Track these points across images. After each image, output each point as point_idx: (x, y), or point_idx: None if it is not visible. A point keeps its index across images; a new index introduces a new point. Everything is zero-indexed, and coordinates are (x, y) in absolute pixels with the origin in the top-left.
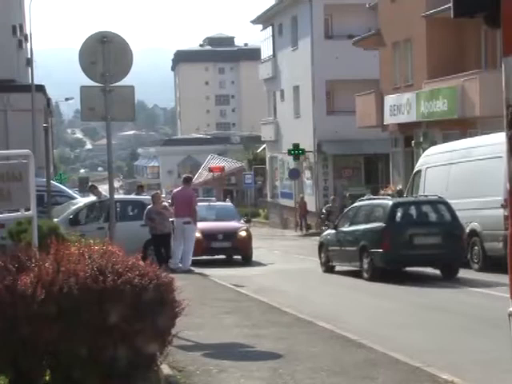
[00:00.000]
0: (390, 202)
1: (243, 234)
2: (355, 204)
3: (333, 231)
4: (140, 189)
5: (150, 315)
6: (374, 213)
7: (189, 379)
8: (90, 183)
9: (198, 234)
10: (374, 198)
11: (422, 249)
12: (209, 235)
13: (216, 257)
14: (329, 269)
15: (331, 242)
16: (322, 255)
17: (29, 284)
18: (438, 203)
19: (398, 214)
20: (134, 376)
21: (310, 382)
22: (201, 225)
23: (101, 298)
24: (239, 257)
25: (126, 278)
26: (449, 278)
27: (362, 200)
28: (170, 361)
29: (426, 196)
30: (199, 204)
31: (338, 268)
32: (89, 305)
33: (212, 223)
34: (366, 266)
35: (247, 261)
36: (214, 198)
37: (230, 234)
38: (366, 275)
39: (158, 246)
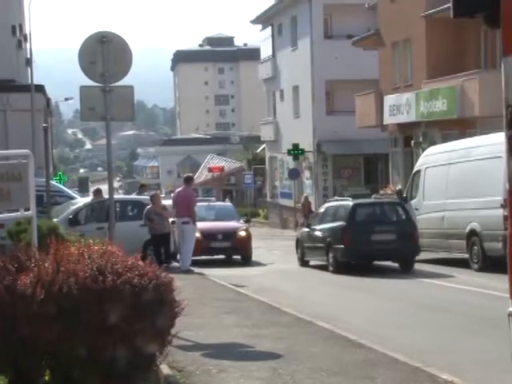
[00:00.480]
0: (350, 203)
1: (243, 233)
2: (325, 205)
3: (307, 229)
4: (142, 188)
5: (150, 315)
6: (338, 213)
7: (188, 379)
8: (95, 187)
9: (197, 234)
10: (340, 200)
11: (378, 245)
12: (208, 235)
13: (215, 257)
14: (304, 263)
15: (305, 239)
16: (298, 251)
17: (28, 284)
18: (394, 204)
19: (358, 214)
20: (134, 376)
21: (309, 382)
22: (200, 225)
23: (100, 298)
24: (239, 257)
25: (126, 278)
26: (406, 271)
27: (331, 201)
28: (170, 361)
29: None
30: (199, 204)
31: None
32: (88, 305)
33: (211, 223)
34: (330, 260)
35: (247, 261)
36: (213, 198)
37: (230, 234)
38: (331, 268)
39: (158, 246)
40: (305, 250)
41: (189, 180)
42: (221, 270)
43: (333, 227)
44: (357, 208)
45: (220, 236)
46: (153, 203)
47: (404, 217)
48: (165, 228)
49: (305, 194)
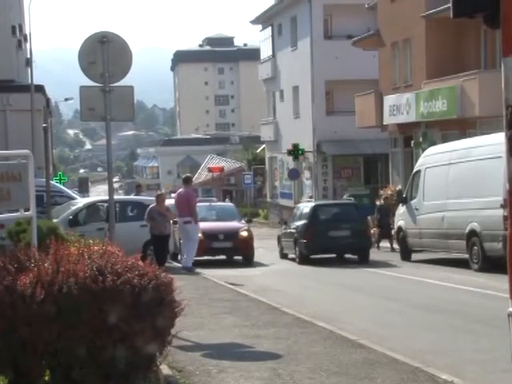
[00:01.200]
0: (312, 204)
1: (244, 234)
2: (298, 205)
3: (284, 227)
4: (139, 188)
5: (150, 315)
6: (303, 212)
7: (188, 379)
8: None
9: (199, 235)
10: (308, 201)
11: (335, 240)
12: (210, 235)
13: (216, 257)
14: (283, 255)
15: (283, 235)
16: (279, 245)
17: (28, 284)
18: (349, 205)
19: (318, 214)
20: (134, 376)
21: (309, 382)
22: (201, 225)
23: (100, 298)
24: (240, 257)
25: (126, 279)
26: (363, 262)
27: (302, 202)
28: (170, 361)
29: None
30: (200, 204)
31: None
32: (88, 305)
33: (213, 223)
34: (297, 253)
35: (248, 261)
36: (214, 198)
37: (231, 234)
38: (297, 260)
39: (158, 247)
40: (283, 245)
41: (188, 180)
42: (221, 270)
43: (298, 225)
44: (317, 208)
45: (221, 236)
46: (158, 203)
47: (357, 216)
48: (165, 230)
49: (310, 195)
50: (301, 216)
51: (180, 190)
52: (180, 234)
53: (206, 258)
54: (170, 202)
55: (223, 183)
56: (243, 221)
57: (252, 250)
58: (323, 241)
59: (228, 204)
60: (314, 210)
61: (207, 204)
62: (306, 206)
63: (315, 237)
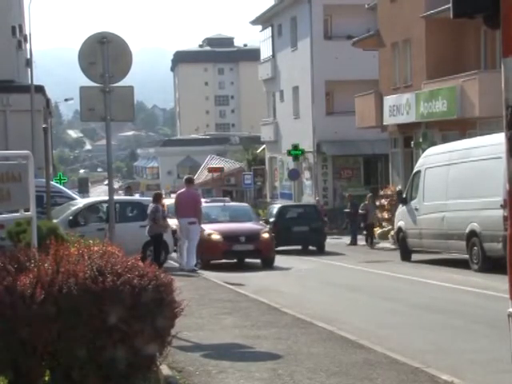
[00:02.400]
0: (279, 205)
1: (266, 235)
2: (270, 206)
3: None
4: (128, 189)
5: (150, 316)
6: (273, 212)
7: (188, 380)
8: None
9: (217, 236)
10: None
11: (296, 235)
12: (230, 237)
13: (226, 261)
14: None
15: None
16: None
17: (28, 284)
18: (310, 206)
19: (283, 213)
20: (134, 376)
21: (309, 383)
22: (218, 226)
23: (100, 299)
24: (259, 260)
25: (126, 279)
26: (320, 252)
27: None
28: (170, 361)
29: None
30: (213, 204)
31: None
32: (88, 305)
33: (232, 225)
34: None
35: (269, 264)
36: (227, 198)
37: (253, 236)
38: None
39: (157, 246)
40: None
41: (190, 181)
42: (221, 270)
43: (270, 222)
44: (283, 209)
45: (243, 238)
46: (158, 202)
47: (316, 216)
48: (162, 228)
49: (317, 198)
50: (271, 215)
51: (182, 190)
52: (180, 234)
53: (214, 261)
54: (170, 201)
55: (223, 184)
56: (261, 222)
57: (273, 253)
58: (287, 235)
59: (243, 204)
60: (281, 210)
61: (221, 204)
62: (274, 207)
63: (281, 232)
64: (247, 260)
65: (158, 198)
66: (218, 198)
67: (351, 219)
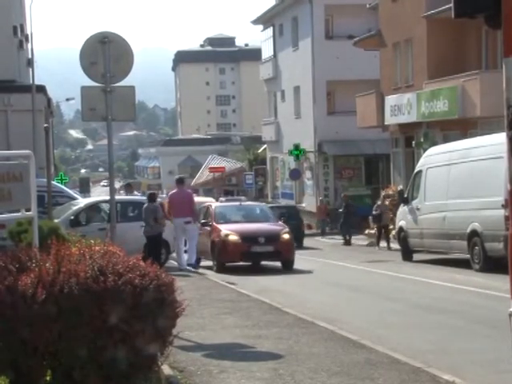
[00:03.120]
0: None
1: (286, 236)
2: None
3: None
4: (129, 188)
5: (151, 316)
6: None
7: (189, 379)
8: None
9: (235, 237)
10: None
11: None
12: (249, 238)
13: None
14: None
15: None
16: None
17: (29, 284)
18: (290, 207)
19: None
20: (135, 376)
21: (310, 383)
22: (236, 227)
23: (101, 299)
24: (278, 263)
25: (127, 279)
26: (298, 247)
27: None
28: (171, 361)
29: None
30: (228, 204)
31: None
32: (89, 305)
33: (250, 225)
34: None
35: (289, 267)
36: (243, 197)
37: (273, 237)
38: None
39: (158, 247)
40: None
41: (181, 181)
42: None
43: None
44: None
45: (262, 239)
46: (154, 201)
47: (296, 215)
48: (162, 227)
49: (320, 198)
50: None
51: (174, 190)
52: (176, 234)
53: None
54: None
55: (224, 183)
56: (280, 222)
57: (293, 255)
58: None
59: (259, 204)
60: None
61: (236, 204)
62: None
63: None
64: (263, 263)
65: (153, 198)
66: (234, 197)
67: (345, 219)
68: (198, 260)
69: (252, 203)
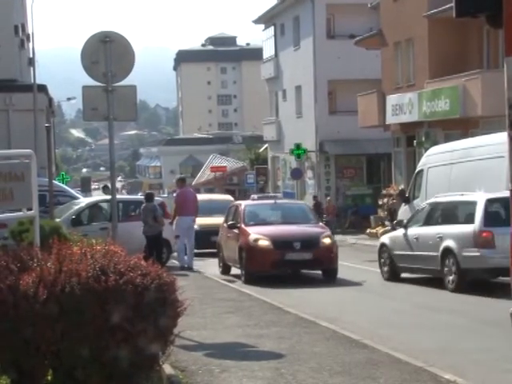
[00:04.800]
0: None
1: (327, 241)
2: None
3: None
4: (107, 189)
5: (152, 315)
6: None
7: (191, 379)
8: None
9: (266, 242)
10: None
11: None
12: (281, 244)
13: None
14: None
15: None
16: None
17: (31, 284)
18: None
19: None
20: (137, 376)
21: (312, 382)
22: (268, 229)
23: (103, 298)
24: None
25: (128, 278)
26: None
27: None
28: (173, 360)
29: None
30: (261, 202)
31: None
32: (91, 305)
33: (284, 227)
34: None
35: (332, 278)
36: (279, 194)
37: (311, 242)
38: None
39: (159, 246)
40: None
41: (184, 180)
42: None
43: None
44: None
45: (297, 245)
46: (152, 201)
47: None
48: (162, 227)
49: (328, 198)
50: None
51: (182, 189)
52: (180, 232)
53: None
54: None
55: (225, 183)
56: (321, 223)
57: (336, 263)
58: None
59: (298, 202)
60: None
61: (271, 202)
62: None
63: None
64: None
65: (151, 197)
66: (268, 195)
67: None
68: None
69: (290, 201)
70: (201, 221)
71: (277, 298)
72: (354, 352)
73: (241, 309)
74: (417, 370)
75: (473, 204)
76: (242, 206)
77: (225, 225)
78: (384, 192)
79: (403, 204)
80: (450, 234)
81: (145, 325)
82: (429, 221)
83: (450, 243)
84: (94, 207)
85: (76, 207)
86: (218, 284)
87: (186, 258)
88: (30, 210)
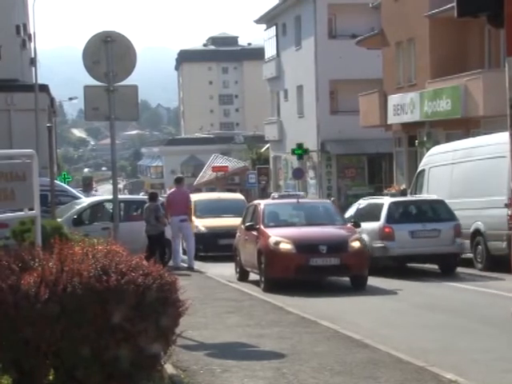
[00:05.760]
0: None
1: (356, 244)
2: None
3: None
4: (88, 186)
5: (154, 315)
6: None
7: (192, 379)
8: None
9: (288, 246)
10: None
11: None
12: (306, 247)
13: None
14: None
15: None
16: None
17: (32, 284)
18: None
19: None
20: (138, 376)
21: (313, 382)
22: (290, 232)
23: (104, 298)
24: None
25: (130, 278)
26: None
27: None
28: (174, 360)
29: None
30: (282, 201)
31: None
32: (92, 304)
33: (309, 229)
34: None
35: (361, 286)
36: (302, 193)
37: (339, 246)
38: None
39: (162, 246)
40: None
41: (180, 181)
42: (224, 270)
43: None
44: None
45: (323, 248)
46: (155, 201)
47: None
48: (164, 226)
49: (333, 198)
50: None
51: (174, 189)
52: (172, 233)
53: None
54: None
55: (227, 183)
56: (349, 224)
57: (366, 270)
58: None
59: (323, 201)
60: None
61: (293, 201)
62: None
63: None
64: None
65: (154, 197)
66: (290, 193)
67: None
68: None
69: (313, 200)
70: (208, 222)
71: (278, 298)
72: (355, 352)
73: (242, 309)
74: (418, 369)
75: (381, 205)
76: (262, 206)
77: (242, 226)
78: (385, 192)
79: None
80: (366, 229)
81: (146, 324)
82: (357, 217)
83: (365, 237)
84: (96, 207)
85: (78, 207)
86: (219, 284)
87: (179, 258)
88: (32, 209)
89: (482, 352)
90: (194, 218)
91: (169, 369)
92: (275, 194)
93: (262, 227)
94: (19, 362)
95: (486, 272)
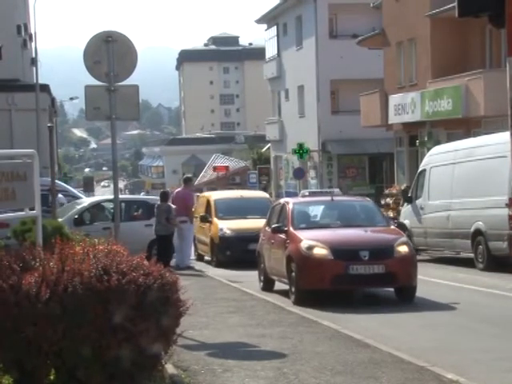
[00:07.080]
0: None
1: (404, 249)
2: None
3: None
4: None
5: (155, 315)
6: None
7: (193, 378)
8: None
9: (323, 251)
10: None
11: None
12: (344, 253)
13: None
14: None
15: None
16: None
17: (33, 283)
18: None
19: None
20: (139, 375)
21: (314, 382)
22: (324, 235)
23: (105, 298)
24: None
25: (131, 278)
26: None
27: None
28: (175, 360)
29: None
30: (314, 199)
31: None
32: (93, 304)
33: (345, 232)
34: None
35: (409, 297)
36: (336, 190)
37: (383, 251)
38: None
39: (165, 246)
40: None
41: (188, 181)
42: (225, 270)
43: None
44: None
45: (365, 254)
46: (166, 201)
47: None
48: (174, 228)
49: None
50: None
51: (178, 189)
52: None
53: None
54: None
55: (228, 182)
56: (392, 226)
57: (415, 279)
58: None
59: (361, 199)
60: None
61: (327, 199)
62: None
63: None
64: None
65: (166, 197)
66: (322, 190)
67: None
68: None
69: (351, 198)
70: (233, 224)
71: (279, 298)
72: (356, 351)
73: (243, 308)
74: (419, 369)
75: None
76: (290, 205)
77: (267, 228)
78: (386, 192)
79: (405, 204)
80: None
81: (147, 324)
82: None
83: None
84: (97, 207)
85: (78, 207)
86: (220, 284)
87: (187, 258)
88: (33, 209)
89: (483, 352)
90: (215, 219)
91: (170, 369)
92: (305, 192)
93: (291, 229)
94: (20, 361)
95: (487, 272)
